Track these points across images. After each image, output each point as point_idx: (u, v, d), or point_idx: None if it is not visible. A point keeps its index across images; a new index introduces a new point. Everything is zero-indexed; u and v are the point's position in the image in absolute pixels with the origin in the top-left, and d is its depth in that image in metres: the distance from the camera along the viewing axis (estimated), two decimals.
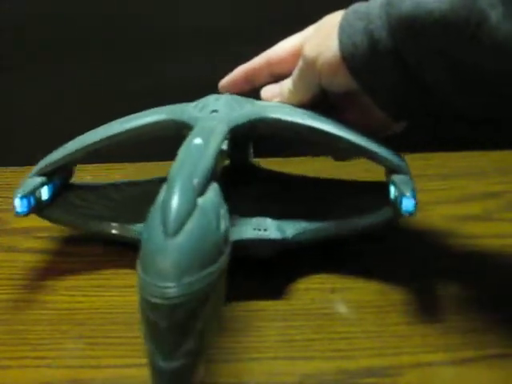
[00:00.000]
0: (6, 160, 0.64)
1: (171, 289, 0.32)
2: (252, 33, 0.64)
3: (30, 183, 0.46)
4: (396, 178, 0.44)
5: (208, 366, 0.39)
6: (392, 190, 0.44)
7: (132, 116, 0.47)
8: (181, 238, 0.32)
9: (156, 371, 0.33)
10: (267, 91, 0.49)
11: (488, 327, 0.42)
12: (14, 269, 0.49)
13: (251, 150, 0.55)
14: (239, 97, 0.48)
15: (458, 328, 0.42)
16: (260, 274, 0.47)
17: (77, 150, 0.46)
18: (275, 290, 0.46)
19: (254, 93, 0.50)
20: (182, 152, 0.39)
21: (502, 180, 0.59)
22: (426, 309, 0.44)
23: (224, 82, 0.51)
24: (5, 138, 0.68)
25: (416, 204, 0.41)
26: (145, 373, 0.39)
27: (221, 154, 0.41)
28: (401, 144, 0.46)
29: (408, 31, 0.39)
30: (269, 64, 0.49)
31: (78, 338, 0.42)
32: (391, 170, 0.45)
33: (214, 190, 0.36)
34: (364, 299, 0.45)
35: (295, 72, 0.47)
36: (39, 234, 0.53)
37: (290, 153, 0.62)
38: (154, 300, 0.32)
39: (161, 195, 0.35)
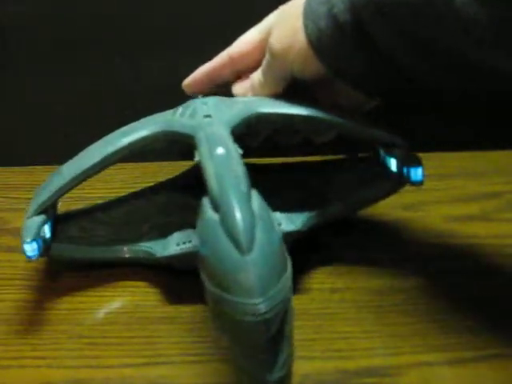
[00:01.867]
0: (6, 160, 0.63)
1: (261, 304, 0.32)
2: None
3: (33, 224, 0.43)
4: (396, 151, 0.46)
5: (207, 366, 0.39)
6: (393, 162, 0.46)
7: (120, 131, 0.45)
8: (256, 253, 0.32)
9: None
10: (238, 88, 0.49)
11: (488, 327, 0.42)
12: (14, 269, 0.49)
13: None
14: (223, 97, 0.47)
15: (458, 328, 0.42)
16: None
17: (73, 179, 0.44)
18: None
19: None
20: (210, 165, 0.38)
21: (501, 180, 0.59)
22: (426, 309, 0.44)
23: (187, 81, 0.50)
24: (5, 138, 0.68)
25: (424, 173, 0.44)
26: (145, 373, 0.39)
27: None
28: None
29: (373, 12, 0.39)
30: (231, 61, 0.48)
31: (77, 338, 0.42)
32: (388, 144, 0.47)
33: (255, 195, 0.36)
34: (364, 299, 0.45)
35: (264, 65, 0.46)
36: None
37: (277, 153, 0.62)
38: (247, 318, 0.32)
39: (207, 211, 0.35)
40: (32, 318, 0.44)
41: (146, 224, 0.49)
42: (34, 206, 0.44)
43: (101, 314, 0.44)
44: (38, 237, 0.42)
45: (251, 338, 0.33)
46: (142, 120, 0.46)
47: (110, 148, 0.44)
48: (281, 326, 0.33)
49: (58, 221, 0.48)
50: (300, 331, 0.42)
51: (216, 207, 0.34)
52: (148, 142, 0.44)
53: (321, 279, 0.47)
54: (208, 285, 0.34)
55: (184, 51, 0.66)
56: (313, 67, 0.43)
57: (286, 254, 0.35)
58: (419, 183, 0.45)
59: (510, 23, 0.34)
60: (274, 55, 0.44)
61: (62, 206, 0.48)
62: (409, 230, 0.52)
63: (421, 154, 0.46)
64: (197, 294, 0.45)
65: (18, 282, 0.47)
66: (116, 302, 0.45)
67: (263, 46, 0.46)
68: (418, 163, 0.45)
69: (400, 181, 0.46)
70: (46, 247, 0.44)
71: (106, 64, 0.67)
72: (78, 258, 0.47)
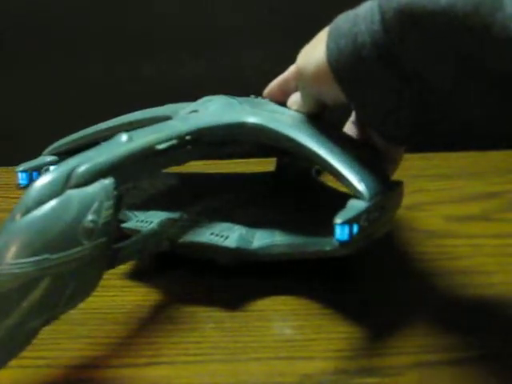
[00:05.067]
0: (6, 160, 0.63)
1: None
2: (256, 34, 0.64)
3: (39, 160, 0.48)
4: (349, 202, 0.39)
5: (207, 366, 0.39)
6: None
7: (140, 112, 0.49)
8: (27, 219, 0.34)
9: None
10: (290, 99, 0.47)
11: (488, 327, 0.42)
12: None
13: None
14: (239, 101, 0.47)
15: (458, 328, 0.42)
16: (260, 273, 0.47)
17: (94, 133, 0.48)
18: (275, 289, 0.46)
19: None
20: (103, 144, 0.40)
21: (501, 180, 0.59)
22: (426, 309, 0.44)
23: (265, 92, 0.49)
24: (5, 138, 0.68)
25: (350, 234, 0.37)
26: (145, 373, 0.39)
27: (154, 154, 0.41)
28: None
29: (405, 24, 0.34)
30: (293, 74, 0.46)
31: (78, 338, 0.42)
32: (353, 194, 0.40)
33: (101, 184, 0.36)
34: (364, 299, 0.45)
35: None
36: None
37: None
38: None
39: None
40: None
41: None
42: (50, 147, 0.50)
43: (101, 314, 0.44)
44: (34, 170, 0.47)
45: None
46: (170, 105, 0.49)
47: (128, 117, 0.48)
48: None
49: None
50: (300, 331, 0.42)
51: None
52: (155, 122, 0.45)
53: (321, 279, 0.47)
54: None
55: (187, 51, 0.66)
56: (329, 88, 0.39)
57: (85, 245, 0.36)
58: (341, 243, 0.37)
59: None
60: (298, 71, 0.43)
61: None
62: (409, 229, 0.52)
63: (421, 154, 0.46)
64: (197, 294, 0.45)
65: None
66: (116, 301, 0.45)
67: None
68: (346, 221, 0.37)
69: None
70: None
71: (106, 64, 0.67)
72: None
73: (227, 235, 0.45)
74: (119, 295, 0.46)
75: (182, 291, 0.45)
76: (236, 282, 0.45)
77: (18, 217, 0.34)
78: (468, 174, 0.60)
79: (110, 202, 0.37)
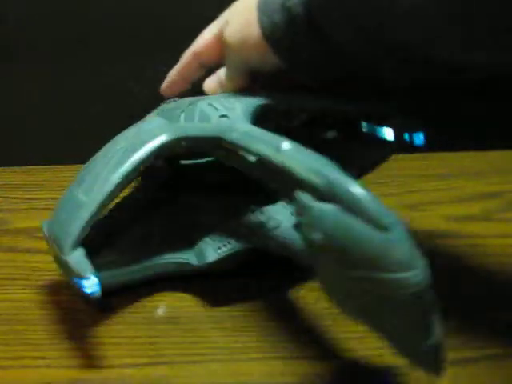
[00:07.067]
0: (6, 160, 0.64)
1: (415, 276, 0.33)
2: None
3: (81, 259, 0.39)
4: (391, 119, 0.47)
5: (207, 366, 0.39)
6: (388, 131, 0.47)
7: (129, 141, 0.43)
8: (396, 227, 0.33)
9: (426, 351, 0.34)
10: (209, 85, 0.51)
11: (488, 327, 0.42)
12: (14, 269, 0.49)
13: None
14: (220, 95, 0.47)
15: (458, 328, 0.42)
16: (260, 273, 0.47)
17: (100, 205, 0.40)
18: (275, 289, 0.46)
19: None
20: (290, 161, 0.37)
21: (501, 180, 0.59)
22: None
23: (163, 87, 0.52)
24: (5, 138, 0.68)
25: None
26: (145, 373, 0.39)
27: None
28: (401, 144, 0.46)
29: (323, 2, 0.41)
30: (195, 57, 0.50)
31: (78, 338, 0.42)
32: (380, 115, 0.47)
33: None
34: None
35: (226, 60, 0.48)
36: (39, 234, 0.52)
37: None
38: (402, 292, 0.33)
39: (314, 205, 0.34)
40: (32, 318, 0.44)
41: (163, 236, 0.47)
42: (67, 241, 0.40)
43: (101, 314, 0.44)
44: (93, 270, 0.39)
45: (407, 310, 0.33)
46: (135, 129, 0.44)
47: (128, 163, 0.41)
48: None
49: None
50: (300, 331, 0.42)
51: (326, 197, 0.34)
52: (166, 151, 0.42)
53: None
54: (347, 271, 0.34)
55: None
56: (270, 60, 0.44)
57: None
58: (421, 146, 0.46)
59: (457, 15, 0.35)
60: (230, 49, 0.46)
61: None
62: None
63: (422, 154, 0.46)
64: (197, 293, 0.45)
65: (18, 281, 0.47)
66: (116, 302, 0.45)
67: (220, 38, 0.47)
68: (417, 128, 0.46)
69: (398, 147, 0.47)
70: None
71: (106, 64, 0.67)
72: (114, 284, 0.45)
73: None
74: (119, 295, 0.46)
75: (181, 291, 0.45)
76: (236, 281, 0.45)
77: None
78: (468, 174, 0.60)
79: None
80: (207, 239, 0.46)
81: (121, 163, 0.41)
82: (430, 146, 0.47)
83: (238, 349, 0.41)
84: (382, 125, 0.48)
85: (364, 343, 0.40)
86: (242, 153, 0.40)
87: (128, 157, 0.41)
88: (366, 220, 0.32)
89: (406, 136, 0.46)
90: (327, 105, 0.48)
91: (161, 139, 0.42)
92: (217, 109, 0.44)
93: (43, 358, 0.40)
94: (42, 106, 0.67)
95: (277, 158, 0.37)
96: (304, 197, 0.35)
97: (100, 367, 0.39)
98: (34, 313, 0.44)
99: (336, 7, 0.40)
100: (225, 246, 0.45)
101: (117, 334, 0.42)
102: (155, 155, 0.41)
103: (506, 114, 0.66)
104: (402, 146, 0.47)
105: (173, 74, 0.52)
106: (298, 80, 0.47)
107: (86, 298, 0.39)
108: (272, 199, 0.48)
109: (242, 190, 0.48)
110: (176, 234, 0.47)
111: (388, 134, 0.47)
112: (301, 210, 0.35)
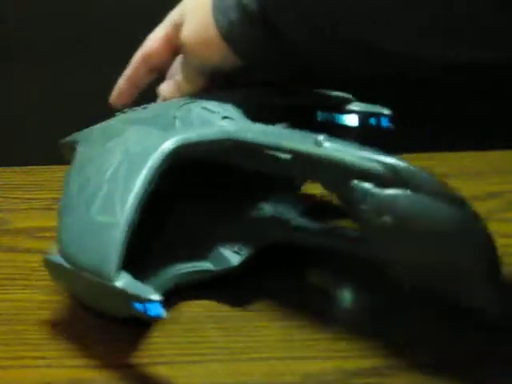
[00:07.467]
0: (6, 160, 0.64)
1: None
2: None
3: (134, 282, 0.37)
4: (353, 105, 0.48)
5: (207, 366, 0.39)
6: (351, 117, 0.48)
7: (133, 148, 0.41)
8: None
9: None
10: (164, 90, 0.49)
11: (491, 327, 0.42)
12: (14, 269, 0.49)
13: None
14: (204, 96, 0.46)
15: (458, 328, 0.42)
16: (260, 273, 0.47)
17: (130, 226, 0.38)
18: (275, 289, 0.46)
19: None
20: (342, 156, 0.38)
21: (501, 180, 0.59)
22: (426, 309, 0.44)
23: (113, 97, 0.51)
24: (5, 138, 0.68)
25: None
26: (145, 373, 0.39)
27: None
28: (401, 144, 0.46)
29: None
30: (145, 60, 0.49)
31: (78, 338, 0.42)
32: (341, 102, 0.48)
33: None
34: (365, 299, 0.45)
35: (182, 62, 0.47)
36: (39, 234, 0.53)
37: None
38: None
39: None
40: (32, 318, 0.44)
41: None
42: (110, 267, 0.37)
43: (100, 313, 0.44)
44: (154, 290, 0.36)
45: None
46: (124, 140, 0.43)
47: (143, 175, 0.39)
48: None
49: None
50: (300, 331, 0.42)
51: (389, 183, 0.36)
52: (175, 159, 0.41)
53: (322, 279, 0.47)
54: (421, 245, 0.37)
55: None
56: (230, 59, 0.44)
57: None
58: (389, 128, 0.46)
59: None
60: (188, 51, 0.45)
61: None
62: None
63: (421, 154, 0.46)
64: (197, 294, 0.45)
65: (18, 281, 0.47)
66: None
67: (170, 39, 0.47)
68: (382, 112, 0.47)
69: (363, 132, 0.47)
70: None
71: (106, 64, 0.67)
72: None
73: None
74: None
75: (181, 291, 0.45)
76: (236, 281, 0.45)
77: None
78: (468, 174, 0.60)
79: None
80: (221, 243, 0.45)
81: (134, 176, 0.39)
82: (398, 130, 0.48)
83: (238, 349, 0.41)
84: (342, 112, 0.48)
85: (364, 343, 0.41)
86: (268, 152, 0.41)
87: (139, 169, 0.40)
88: (441, 198, 0.36)
89: (372, 120, 0.47)
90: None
91: (167, 147, 0.40)
92: (213, 111, 0.43)
93: (43, 358, 0.40)
94: (42, 106, 0.68)
95: (320, 153, 0.38)
96: (364, 185, 0.37)
97: (100, 367, 0.39)
98: (34, 313, 0.44)
99: (291, 7, 0.40)
100: (242, 247, 0.44)
101: (117, 333, 0.42)
102: (167, 163, 0.40)
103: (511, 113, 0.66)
104: (367, 130, 0.47)
105: (121, 82, 0.50)
106: (257, 77, 0.47)
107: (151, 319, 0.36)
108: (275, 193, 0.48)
109: (240, 191, 0.48)
110: (189, 242, 0.46)
111: (350, 120, 0.47)
112: (362, 198, 0.37)
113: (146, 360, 0.40)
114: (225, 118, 0.43)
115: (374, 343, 0.41)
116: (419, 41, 0.38)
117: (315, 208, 0.51)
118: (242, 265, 0.44)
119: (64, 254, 0.40)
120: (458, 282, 0.38)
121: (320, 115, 0.48)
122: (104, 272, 0.37)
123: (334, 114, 0.48)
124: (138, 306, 0.36)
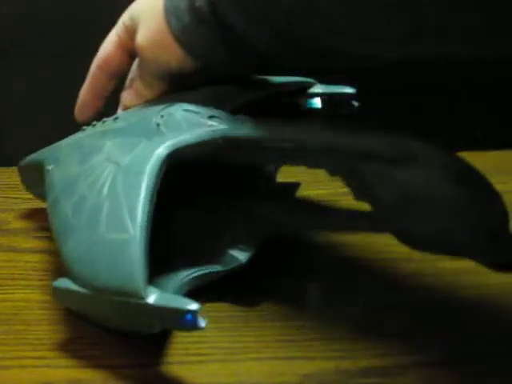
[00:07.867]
0: (6, 160, 0.64)
1: None
2: None
3: (164, 294, 0.36)
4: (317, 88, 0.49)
5: (207, 366, 0.39)
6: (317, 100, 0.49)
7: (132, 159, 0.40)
8: None
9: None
10: (126, 99, 0.48)
11: (489, 327, 0.42)
12: (14, 269, 0.49)
13: None
14: (177, 97, 0.45)
15: (458, 328, 0.42)
16: (260, 273, 0.47)
17: (146, 240, 0.37)
18: (275, 289, 0.46)
19: None
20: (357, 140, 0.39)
21: (501, 180, 0.59)
22: (426, 308, 0.44)
23: (76, 111, 0.50)
24: (5, 138, 0.68)
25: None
26: (145, 373, 0.39)
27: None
28: None
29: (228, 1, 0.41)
30: (102, 68, 0.48)
31: (77, 338, 0.42)
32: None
33: None
34: (364, 299, 0.45)
35: (139, 69, 0.47)
36: (39, 234, 0.53)
37: None
38: None
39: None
40: (32, 318, 0.44)
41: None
42: (138, 283, 0.36)
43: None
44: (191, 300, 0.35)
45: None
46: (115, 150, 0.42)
47: (145, 184, 0.38)
48: None
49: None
50: (300, 331, 0.42)
51: (398, 162, 0.37)
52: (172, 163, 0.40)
53: (322, 279, 0.47)
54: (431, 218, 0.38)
55: None
56: (186, 62, 0.44)
57: None
58: (319, 109, 0.47)
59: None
60: (144, 56, 0.45)
61: None
62: None
63: None
64: (197, 294, 0.45)
65: (17, 281, 0.47)
66: None
67: (123, 43, 0.47)
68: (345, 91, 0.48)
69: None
70: None
71: None
72: None
73: None
74: None
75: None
76: (236, 281, 0.45)
77: None
78: None
79: None
80: (226, 244, 0.45)
81: (135, 188, 0.38)
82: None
83: (238, 349, 0.41)
84: (306, 97, 0.49)
85: (364, 343, 0.41)
86: (268, 144, 0.41)
87: (138, 180, 0.39)
88: (455, 176, 0.37)
89: (309, 103, 0.48)
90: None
91: (162, 152, 0.39)
92: (197, 112, 0.43)
93: (43, 358, 0.40)
94: (41, 106, 0.67)
95: (323, 139, 0.39)
96: (372, 166, 0.38)
97: (100, 367, 0.39)
98: (34, 313, 0.44)
99: (244, 8, 0.40)
100: (246, 244, 0.44)
101: (116, 333, 0.42)
102: (164, 169, 0.39)
103: (507, 113, 0.66)
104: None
105: (82, 94, 0.50)
106: (215, 76, 0.47)
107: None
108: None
109: (226, 190, 0.48)
110: (194, 248, 0.45)
111: (315, 103, 0.49)
112: (373, 179, 0.38)
113: (145, 360, 0.40)
114: (211, 117, 0.42)
115: (374, 343, 0.41)
116: (373, 40, 0.38)
117: (315, 207, 0.51)
118: (249, 261, 0.44)
119: (75, 279, 0.38)
120: (469, 244, 0.39)
121: (286, 100, 0.49)
122: (131, 290, 0.36)
123: (307, 100, 0.49)
124: (178, 319, 0.34)
